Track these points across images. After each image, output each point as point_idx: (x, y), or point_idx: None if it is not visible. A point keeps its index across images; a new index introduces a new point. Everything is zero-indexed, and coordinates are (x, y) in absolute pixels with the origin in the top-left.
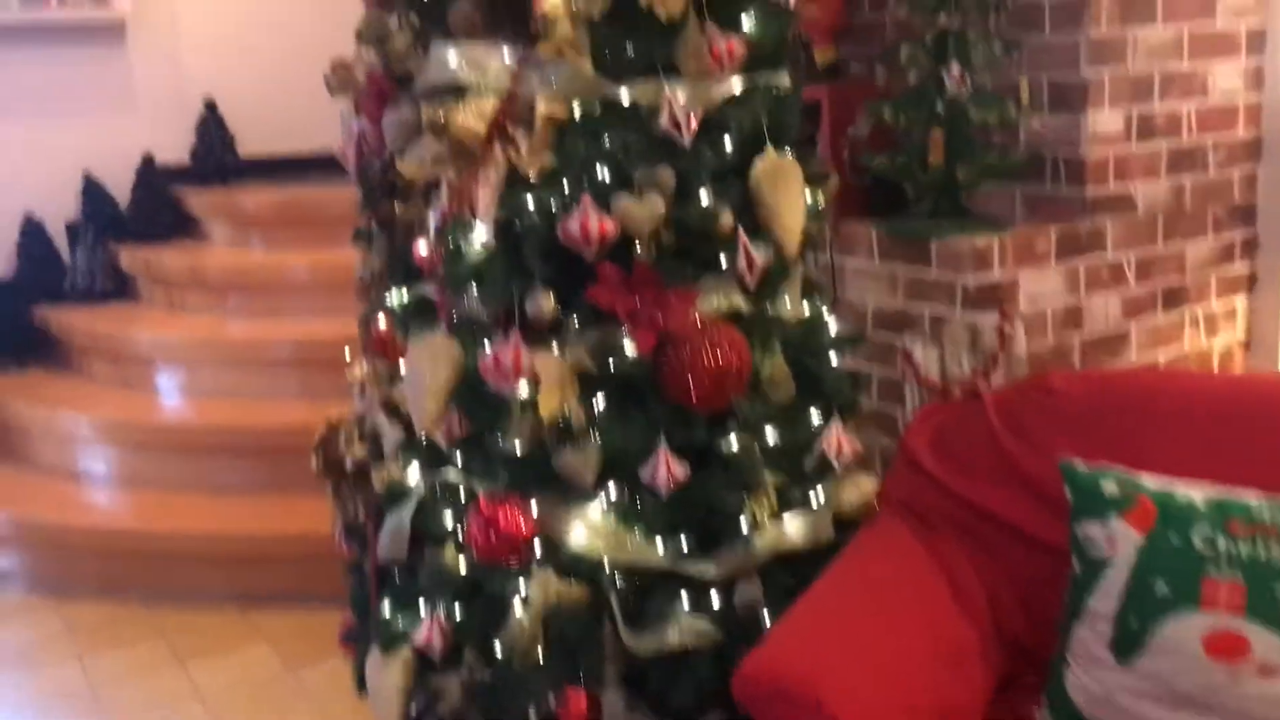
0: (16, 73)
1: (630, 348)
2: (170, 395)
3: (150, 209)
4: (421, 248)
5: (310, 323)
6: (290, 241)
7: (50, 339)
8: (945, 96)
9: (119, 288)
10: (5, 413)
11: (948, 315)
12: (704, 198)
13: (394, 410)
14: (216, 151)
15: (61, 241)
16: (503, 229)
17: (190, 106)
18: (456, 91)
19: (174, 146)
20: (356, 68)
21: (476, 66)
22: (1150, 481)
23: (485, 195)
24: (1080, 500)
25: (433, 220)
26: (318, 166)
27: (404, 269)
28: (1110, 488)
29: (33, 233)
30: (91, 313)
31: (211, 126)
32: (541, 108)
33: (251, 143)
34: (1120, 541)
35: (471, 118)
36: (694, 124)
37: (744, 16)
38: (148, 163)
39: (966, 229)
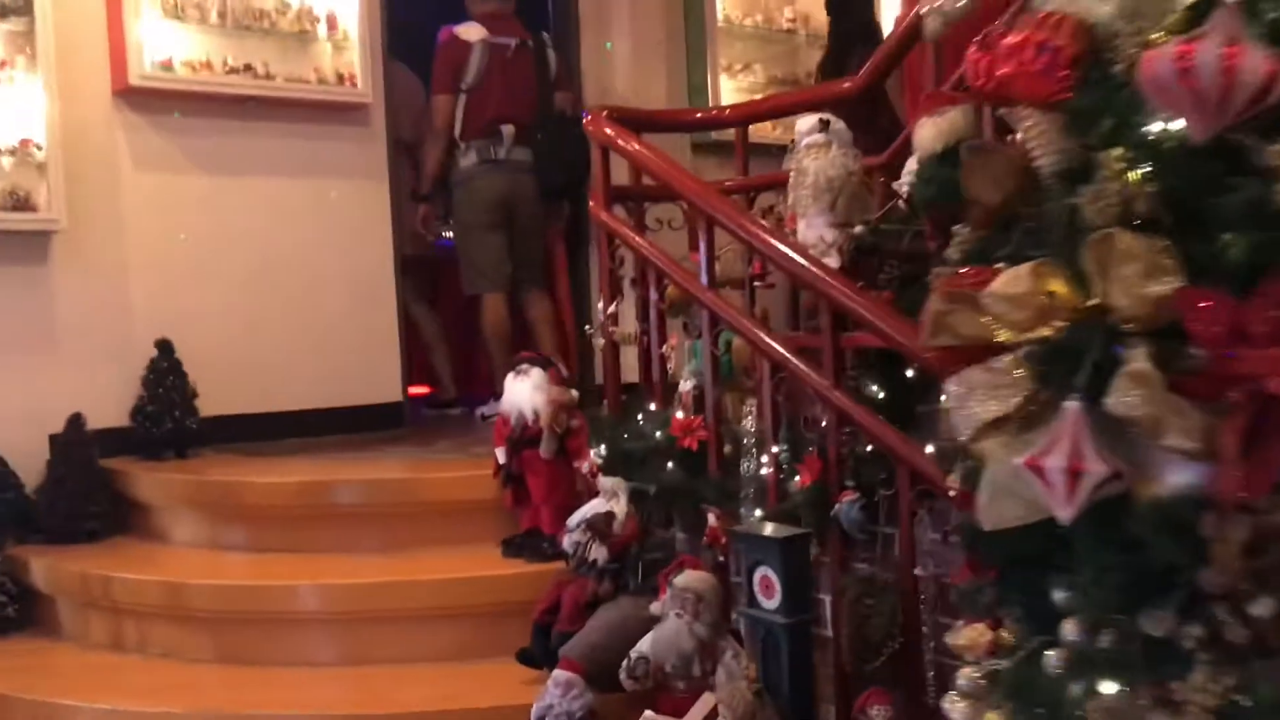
0: None
1: None
2: None
3: (76, 494)
4: None
5: (333, 692)
6: (292, 544)
7: None
8: None
9: (26, 616)
10: None
11: None
12: None
13: None
14: (173, 411)
15: None
16: None
17: (136, 349)
18: None
19: (111, 404)
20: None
21: None
22: None
23: None
24: None
25: None
26: (303, 429)
27: None
28: None
29: None
30: None
31: (165, 376)
32: None
33: (217, 398)
34: None
35: None
36: None
37: None
38: (75, 427)
39: None
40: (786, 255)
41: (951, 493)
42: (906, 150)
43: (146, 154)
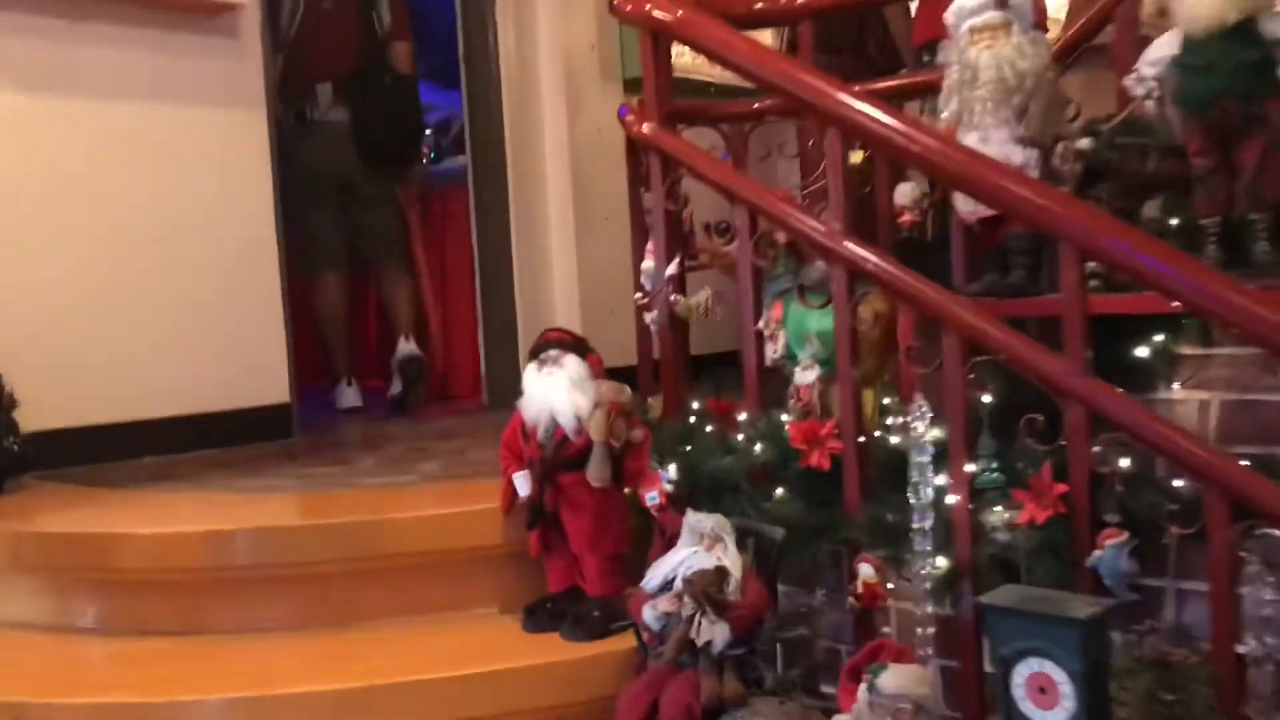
0: None
1: None
2: None
3: None
4: None
5: None
6: (183, 623)
7: None
8: None
9: None
10: None
11: None
12: None
13: None
14: None
15: None
16: None
17: None
18: None
19: None
20: None
21: None
22: None
23: None
24: None
25: None
26: (160, 444)
27: None
28: None
29: None
30: None
31: None
32: None
33: (44, 407)
34: None
35: None
36: None
37: None
38: None
39: None
40: (994, 180)
41: None
42: (1078, 46)
43: None
